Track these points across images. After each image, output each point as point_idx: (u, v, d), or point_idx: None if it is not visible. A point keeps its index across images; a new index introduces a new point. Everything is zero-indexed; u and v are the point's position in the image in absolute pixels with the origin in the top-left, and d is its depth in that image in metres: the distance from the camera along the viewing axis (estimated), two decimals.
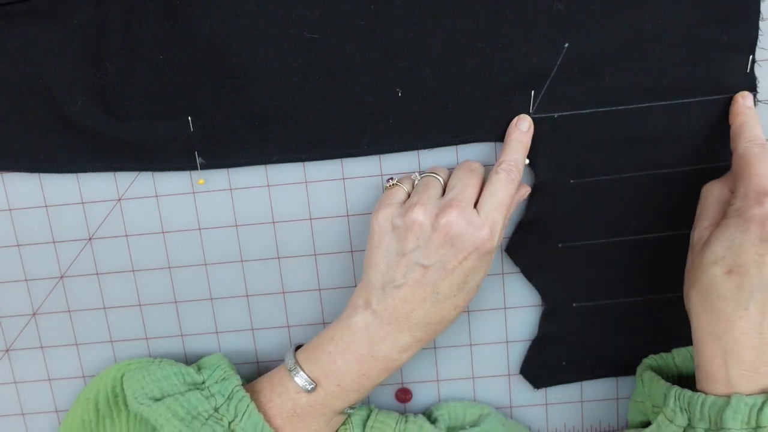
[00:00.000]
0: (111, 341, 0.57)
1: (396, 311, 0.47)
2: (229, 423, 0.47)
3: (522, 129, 0.50)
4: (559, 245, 0.53)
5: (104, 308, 0.56)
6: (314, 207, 0.53)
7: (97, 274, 0.55)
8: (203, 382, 0.50)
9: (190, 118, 0.51)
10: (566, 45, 0.49)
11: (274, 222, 0.54)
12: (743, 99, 0.49)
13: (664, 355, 0.52)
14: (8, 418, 0.59)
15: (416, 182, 0.50)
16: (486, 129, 0.51)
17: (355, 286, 0.53)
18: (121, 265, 0.55)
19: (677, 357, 0.52)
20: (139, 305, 0.56)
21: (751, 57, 0.49)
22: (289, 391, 0.49)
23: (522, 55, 0.49)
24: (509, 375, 0.57)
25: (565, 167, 0.51)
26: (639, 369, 0.51)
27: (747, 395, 0.42)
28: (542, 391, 0.57)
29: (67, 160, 0.52)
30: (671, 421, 0.45)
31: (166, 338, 0.56)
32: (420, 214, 0.46)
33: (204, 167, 0.52)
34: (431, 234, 0.45)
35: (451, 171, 0.50)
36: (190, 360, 0.56)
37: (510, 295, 0.55)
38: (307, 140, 0.51)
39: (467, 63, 0.49)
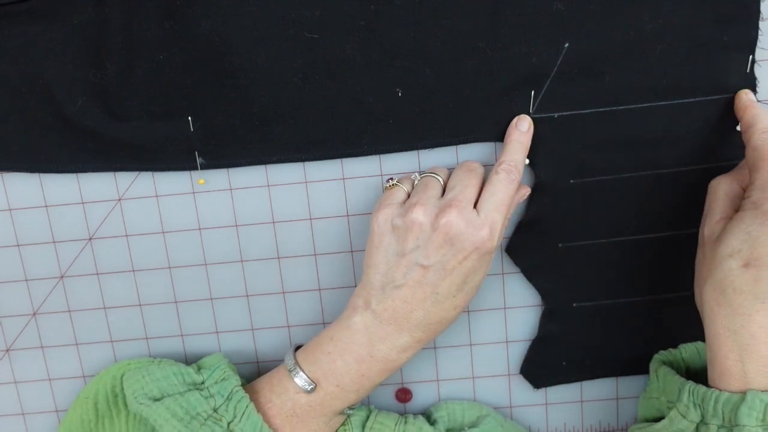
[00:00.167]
0: (111, 341, 0.57)
1: (396, 312, 0.47)
2: (228, 423, 0.47)
3: (522, 129, 0.49)
4: (559, 245, 0.53)
5: (104, 308, 0.56)
6: (314, 207, 0.53)
7: (97, 274, 0.55)
8: (203, 383, 0.50)
9: (190, 118, 0.51)
10: (566, 45, 0.49)
11: (274, 222, 0.54)
12: (747, 95, 0.49)
13: (672, 350, 0.51)
14: (8, 418, 0.59)
15: (416, 182, 0.50)
16: (486, 129, 0.51)
17: (355, 286, 0.53)
18: (121, 265, 0.55)
19: (684, 352, 0.51)
20: (139, 305, 0.56)
21: (751, 57, 0.48)
22: (289, 391, 0.49)
23: (522, 55, 0.49)
24: (509, 375, 0.57)
25: (565, 167, 0.51)
26: (652, 365, 0.51)
27: (763, 391, 0.41)
28: (542, 391, 0.57)
29: (67, 160, 0.52)
30: (684, 417, 0.44)
31: (166, 338, 0.56)
32: (420, 215, 0.46)
33: (204, 167, 0.52)
34: (431, 234, 0.45)
35: (451, 171, 0.50)
36: (190, 360, 0.56)
37: (510, 295, 0.55)
38: (307, 140, 0.51)
39: (467, 63, 0.49)
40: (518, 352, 0.56)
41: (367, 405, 0.55)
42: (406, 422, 0.52)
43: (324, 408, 0.49)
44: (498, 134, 0.51)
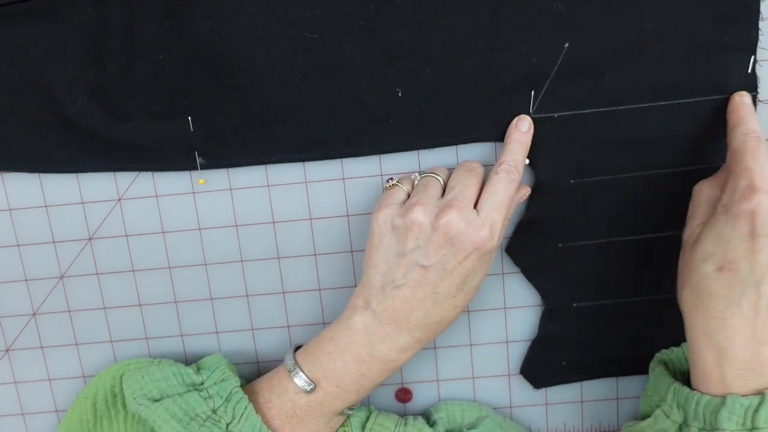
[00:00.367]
0: (111, 341, 0.57)
1: (396, 312, 0.47)
2: (227, 424, 0.47)
3: (522, 129, 0.49)
4: (559, 245, 0.53)
5: (104, 308, 0.56)
6: (314, 207, 0.53)
7: (97, 274, 0.55)
8: (202, 383, 0.50)
9: (190, 118, 0.51)
10: (566, 45, 0.49)
11: (274, 222, 0.54)
12: (740, 97, 0.49)
13: (674, 349, 0.52)
14: (8, 418, 0.59)
15: (416, 182, 0.50)
16: (486, 129, 0.51)
17: (355, 286, 0.53)
18: (121, 265, 0.55)
19: (686, 350, 0.51)
20: (139, 305, 0.56)
21: (753, 57, 0.48)
22: (289, 391, 0.49)
23: (522, 55, 0.49)
24: (509, 375, 0.57)
25: (565, 167, 0.51)
26: (652, 363, 0.51)
27: (742, 396, 0.42)
28: (542, 391, 0.57)
29: (67, 160, 0.52)
30: (668, 416, 0.45)
31: (166, 338, 0.56)
32: (420, 215, 0.46)
33: (204, 167, 0.52)
34: (431, 234, 0.45)
35: (451, 171, 0.50)
36: (190, 360, 0.56)
37: (510, 295, 0.55)
38: (307, 140, 0.51)
39: (467, 63, 0.49)
40: (518, 352, 0.56)
41: (367, 405, 0.55)
42: (405, 424, 0.52)
43: (324, 408, 0.48)
44: (498, 134, 0.51)
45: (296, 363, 0.49)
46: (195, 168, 0.52)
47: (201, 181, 0.53)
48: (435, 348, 0.56)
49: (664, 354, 0.51)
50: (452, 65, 0.49)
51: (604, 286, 0.54)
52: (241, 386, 0.50)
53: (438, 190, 0.48)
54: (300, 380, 0.48)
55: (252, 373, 0.57)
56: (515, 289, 0.55)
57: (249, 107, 0.50)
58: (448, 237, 0.45)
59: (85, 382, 0.57)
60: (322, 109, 0.50)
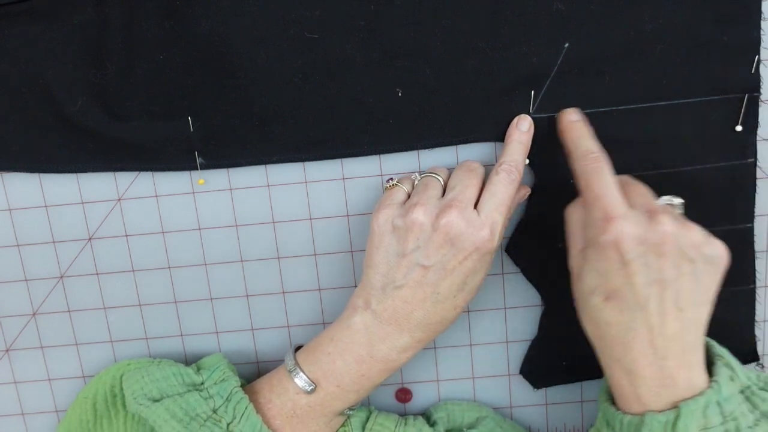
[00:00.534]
0: (111, 341, 0.57)
1: (396, 312, 0.47)
2: (228, 424, 0.47)
3: (522, 129, 0.49)
4: (559, 245, 0.53)
5: (104, 308, 0.56)
6: (314, 207, 0.53)
7: (97, 274, 0.55)
8: (202, 383, 0.50)
9: (190, 118, 0.51)
10: (566, 45, 0.49)
11: (274, 222, 0.54)
12: (566, 116, 0.49)
13: None
14: (8, 418, 0.59)
15: (416, 182, 0.49)
16: (486, 129, 0.51)
17: (355, 286, 0.53)
18: (121, 265, 0.55)
19: None
20: (139, 305, 0.56)
21: (756, 57, 0.48)
22: (289, 392, 0.49)
23: (522, 55, 0.49)
24: (509, 375, 0.57)
25: (565, 167, 0.51)
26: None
27: (659, 412, 0.43)
28: (542, 391, 0.57)
29: (67, 160, 0.52)
30: None
31: (166, 338, 0.56)
32: (420, 215, 0.46)
33: (204, 167, 0.52)
34: (431, 234, 0.45)
35: (451, 171, 0.50)
36: (190, 360, 0.56)
37: (510, 295, 0.55)
38: (307, 140, 0.51)
39: (467, 63, 0.49)
40: (518, 352, 0.56)
41: (367, 406, 0.55)
42: (405, 423, 0.52)
43: (324, 408, 0.48)
44: (498, 134, 0.51)
45: (296, 363, 0.49)
46: (195, 168, 0.52)
47: (201, 181, 0.53)
48: (435, 348, 0.56)
49: None
50: (452, 65, 0.49)
51: None
52: (242, 386, 0.50)
53: (438, 190, 0.48)
54: (300, 380, 0.48)
55: (252, 373, 0.57)
56: (515, 289, 0.55)
57: (249, 107, 0.50)
58: (449, 237, 0.45)
59: (85, 382, 0.57)
60: (322, 109, 0.50)
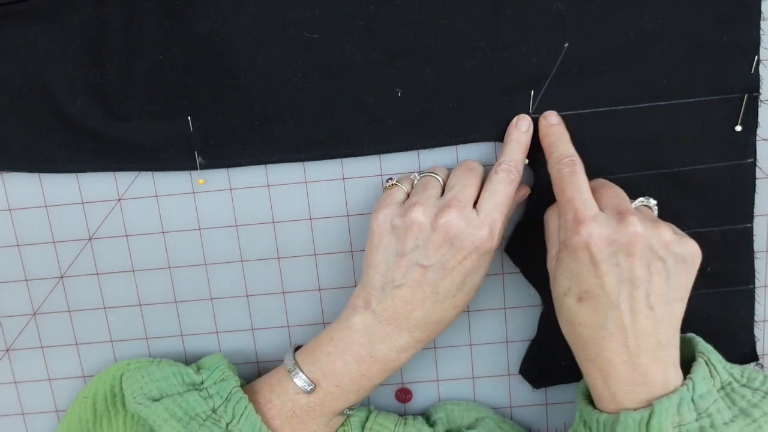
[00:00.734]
0: (111, 341, 0.57)
1: (396, 311, 0.47)
2: (227, 424, 0.47)
3: (522, 129, 0.50)
4: None
5: (104, 308, 0.56)
6: (314, 207, 0.53)
7: (97, 274, 0.55)
8: (202, 383, 0.50)
9: (190, 118, 0.51)
10: (566, 45, 0.49)
11: (274, 222, 0.54)
12: (545, 119, 0.49)
13: None
14: (8, 418, 0.59)
15: (415, 182, 0.50)
16: (486, 129, 0.51)
17: (355, 286, 0.53)
18: (121, 265, 0.55)
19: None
20: (139, 305, 0.56)
21: (756, 57, 0.48)
22: (288, 391, 0.49)
23: (522, 55, 0.49)
24: (509, 375, 0.57)
25: None
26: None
27: (634, 410, 0.43)
28: (542, 391, 0.57)
29: (67, 160, 0.52)
30: None
31: (166, 338, 0.56)
32: (419, 214, 0.46)
33: (204, 167, 0.52)
34: (430, 234, 0.45)
35: (450, 171, 0.50)
36: (190, 360, 0.56)
37: (510, 295, 0.55)
38: (307, 140, 0.51)
39: (467, 63, 0.49)
40: (518, 352, 0.56)
41: (366, 405, 0.55)
42: (405, 423, 0.52)
43: (324, 408, 0.48)
44: (498, 134, 0.51)
45: (296, 363, 0.49)
46: (195, 168, 0.52)
47: (201, 181, 0.53)
48: (435, 348, 0.56)
49: None
50: (452, 65, 0.49)
51: None
52: (241, 386, 0.50)
53: (437, 190, 0.48)
54: (300, 380, 0.48)
55: (252, 373, 0.57)
56: (515, 289, 0.55)
57: (249, 107, 0.50)
58: (448, 237, 0.45)
59: (85, 382, 0.57)
60: (322, 109, 0.50)
